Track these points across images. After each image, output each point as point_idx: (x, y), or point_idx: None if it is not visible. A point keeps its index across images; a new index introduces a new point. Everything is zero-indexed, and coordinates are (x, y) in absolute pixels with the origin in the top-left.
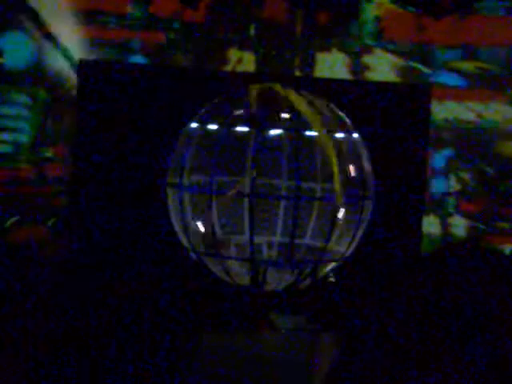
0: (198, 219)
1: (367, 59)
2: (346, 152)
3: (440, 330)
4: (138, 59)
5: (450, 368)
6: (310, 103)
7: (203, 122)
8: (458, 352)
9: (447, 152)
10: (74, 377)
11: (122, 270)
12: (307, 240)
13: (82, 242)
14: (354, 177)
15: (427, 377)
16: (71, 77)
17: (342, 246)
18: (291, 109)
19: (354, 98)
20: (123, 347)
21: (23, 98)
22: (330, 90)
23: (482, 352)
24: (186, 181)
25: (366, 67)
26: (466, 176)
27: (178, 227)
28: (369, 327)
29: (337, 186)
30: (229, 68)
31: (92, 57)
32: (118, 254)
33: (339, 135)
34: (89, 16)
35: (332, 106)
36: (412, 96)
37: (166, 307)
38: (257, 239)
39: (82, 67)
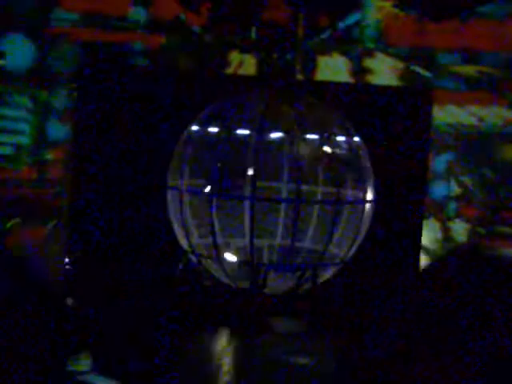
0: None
1: (368, 63)
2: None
3: (440, 330)
4: (139, 61)
5: (450, 368)
6: (310, 105)
7: (204, 125)
8: (458, 352)
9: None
10: (74, 376)
11: (121, 270)
12: (307, 243)
13: (82, 242)
14: (355, 180)
15: (427, 377)
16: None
17: (343, 249)
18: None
19: (354, 101)
20: (123, 347)
21: (24, 100)
22: (331, 93)
23: (482, 353)
24: (185, 183)
25: (367, 71)
26: (466, 180)
27: (177, 229)
28: (369, 327)
29: None
30: (230, 71)
31: (93, 57)
32: (117, 254)
33: (340, 138)
34: (91, 18)
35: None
36: (413, 99)
37: (165, 307)
38: (257, 242)
39: (82, 68)
